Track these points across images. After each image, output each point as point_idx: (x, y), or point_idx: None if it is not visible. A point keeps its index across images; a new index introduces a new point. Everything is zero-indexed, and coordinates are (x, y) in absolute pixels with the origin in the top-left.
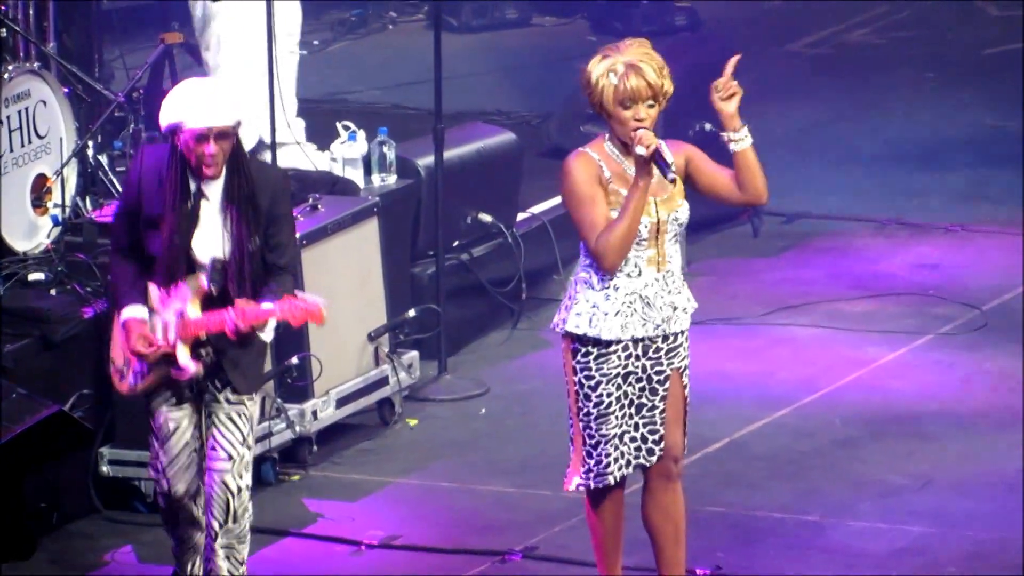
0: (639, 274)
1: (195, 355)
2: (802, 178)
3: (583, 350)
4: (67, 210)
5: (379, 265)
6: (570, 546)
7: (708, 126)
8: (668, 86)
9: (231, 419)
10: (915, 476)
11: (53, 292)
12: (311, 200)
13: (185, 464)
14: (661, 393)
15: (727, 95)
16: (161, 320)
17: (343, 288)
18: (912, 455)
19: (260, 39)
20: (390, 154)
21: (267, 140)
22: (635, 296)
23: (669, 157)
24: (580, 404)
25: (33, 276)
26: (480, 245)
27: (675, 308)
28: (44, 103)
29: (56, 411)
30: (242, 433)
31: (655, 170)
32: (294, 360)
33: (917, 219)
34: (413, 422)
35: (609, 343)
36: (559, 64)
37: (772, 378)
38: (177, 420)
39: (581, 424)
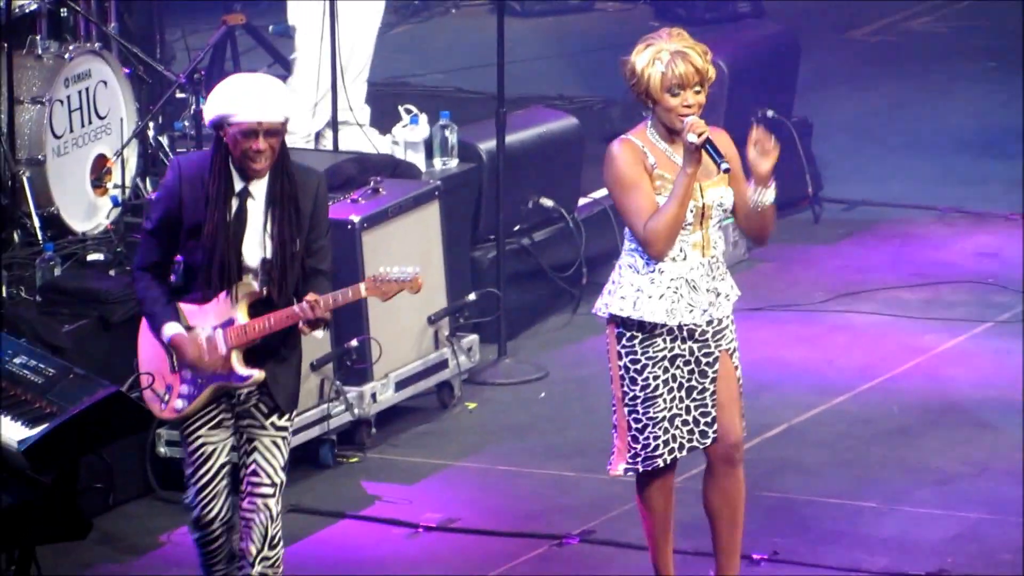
0: (684, 258)
1: (248, 363)
2: (863, 165)
3: (628, 334)
4: (127, 191)
5: (440, 249)
6: (627, 530)
7: (771, 113)
8: (712, 71)
9: (276, 445)
10: (972, 463)
11: (112, 273)
12: (372, 183)
13: (221, 490)
14: (711, 375)
15: (764, 155)
16: (204, 334)
17: None
18: (969, 442)
19: (346, 25)
20: (452, 138)
21: (334, 122)
22: (681, 280)
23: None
24: (626, 388)
25: (92, 257)
26: (541, 230)
27: (718, 294)
28: (105, 83)
29: (114, 391)
30: (284, 458)
31: (703, 156)
32: (354, 343)
33: (977, 207)
34: (472, 405)
35: (654, 326)
36: (622, 49)
37: (831, 365)
38: (215, 443)
39: (627, 409)
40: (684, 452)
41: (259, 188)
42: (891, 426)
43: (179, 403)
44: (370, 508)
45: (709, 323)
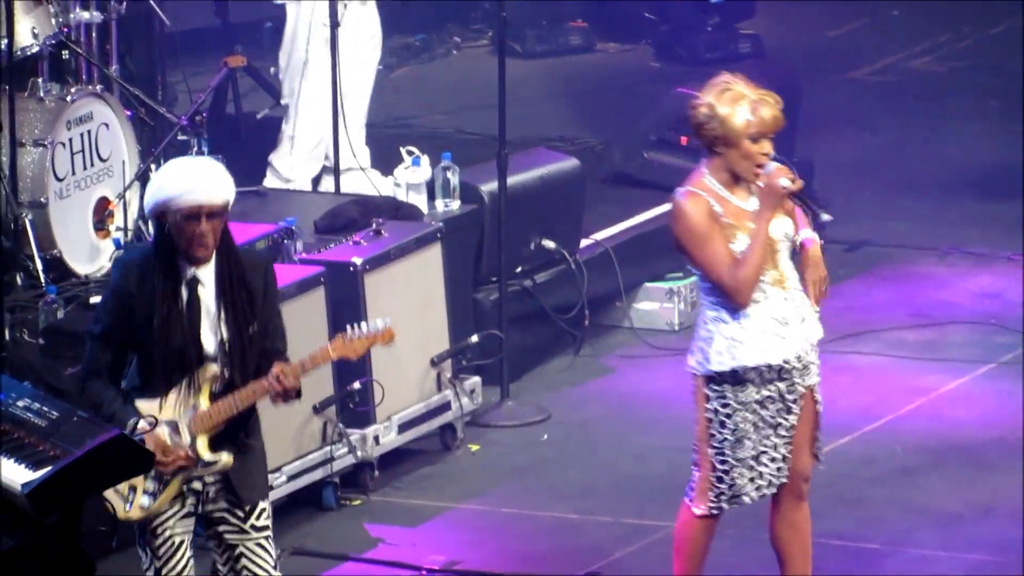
0: (767, 297)
1: (214, 450)
2: (865, 205)
3: (719, 379)
4: (129, 233)
5: (442, 290)
6: (631, 571)
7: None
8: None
9: (261, 547)
10: (975, 505)
11: None
12: (375, 225)
13: None
14: (796, 411)
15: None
16: (166, 429)
17: (406, 313)
18: (972, 484)
19: (343, 68)
20: (454, 179)
21: (331, 165)
22: (770, 319)
23: None
24: (713, 431)
25: (95, 299)
26: (543, 271)
27: (803, 320)
28: (107, 126)
29: (117, 434)
30: (273, 557)
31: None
32: (356, 385)
33: (979, 248)
34: (475, 447)
35: (745, 371)
36: (623, 90)
37: (834, 406)
38: (182, 535)
39: (712, 451)
40: (771, 489)
41: (207, 274)
42: (894, 467)
43: (144, 500)
44: (373, 550)
45: (798, 359)
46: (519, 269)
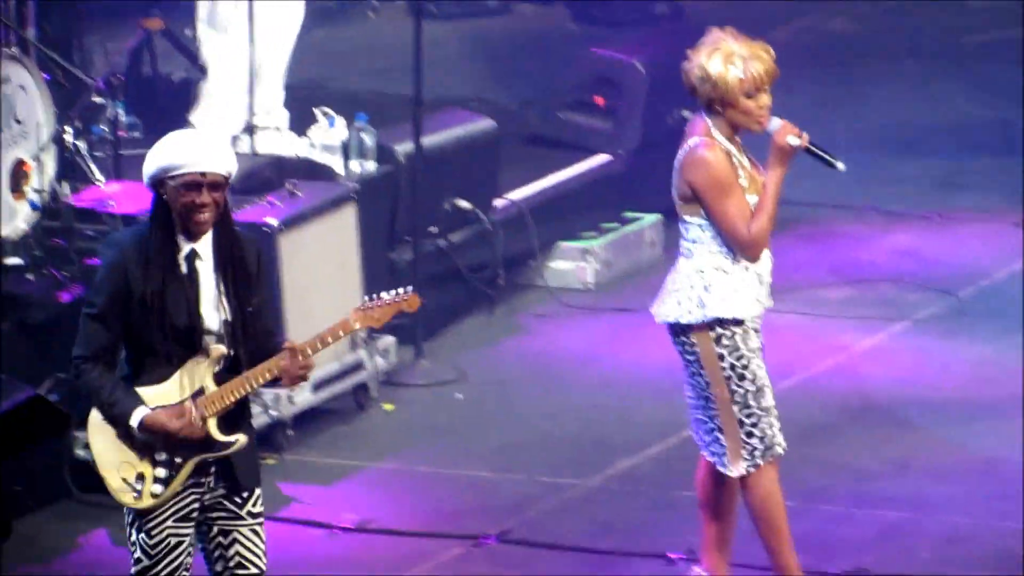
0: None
1: (224, 430)
2: None
3: (727, 333)
4: (45, 195)
5: (356, 251)
6: (545, 530)
7: (688, 113)
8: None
9: (255, 533)
10: (891, 462)
11: (30, 277)
12: (289, 186)
13: None
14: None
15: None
16: (174, 412)
17: (320, 273)
18: (888, 441)
19: (264, 28)
20: (369, 140)
21: (250, 126)
22: (755, 276)
23: None
24: (733, 387)
25: (10, 261)
26: (458, 231)
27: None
28: (23, 88)
29: (32, 395)
30: (265, 543)
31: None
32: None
33: (895, 206)
34: (389, 407)
35: (745, 321)
36: (539, 52)
37: None
38: (181, 537)
39: (737, 407)
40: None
41: (205, 248)
42: (810, 424)
43: (157, 488)
44: (287, 509)
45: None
46: (434, 229)
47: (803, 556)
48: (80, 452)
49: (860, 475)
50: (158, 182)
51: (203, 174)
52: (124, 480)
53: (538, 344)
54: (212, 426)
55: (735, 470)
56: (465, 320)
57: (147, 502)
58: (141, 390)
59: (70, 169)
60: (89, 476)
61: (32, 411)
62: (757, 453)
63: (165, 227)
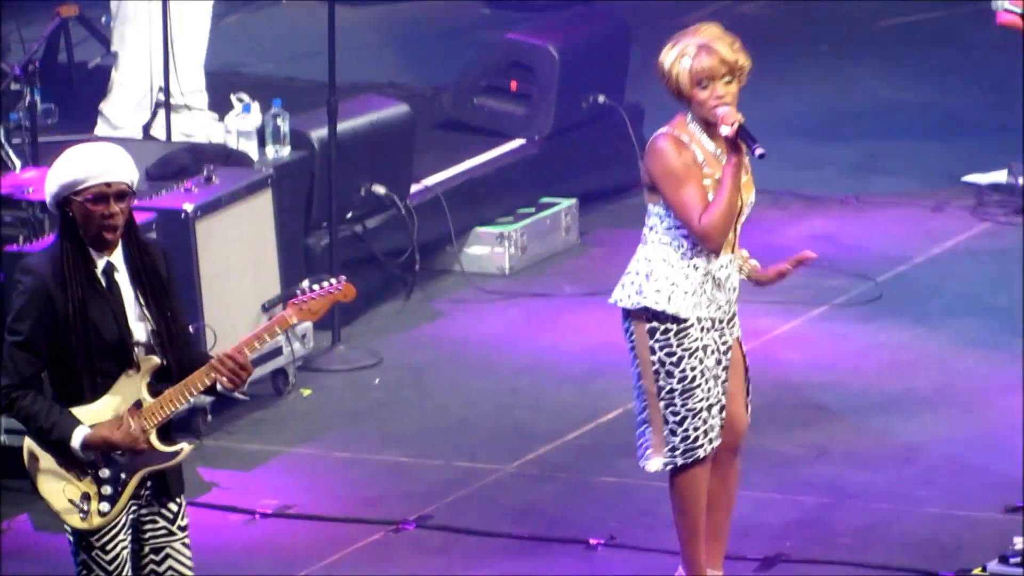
0: (716, 256)
1: (164, 439)
2: None
3: (662, 327)
4: None
5: (273, 236)
6: (464, 515)
7: (603, 98)
8: (744, 61)
9: (186, 546)
10: (809, 447)
11: None
12: (205, 172)
13: None
14: (724, 363)
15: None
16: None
17: (237, 259)
18: (806, 426)
19: (178, 11)
20: (284, 126)
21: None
22: (709, 277)
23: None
24: (661, 382)
25: None
26: (373, 217)
27: (735, 289)
28: None
29: None
30: (191, 554)
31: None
32: (188, 330)
33: (811, 191)
34: (307, 392)
35: (687, 319)
36: (452, 36)
37: None
38: (127, 548)
39: (663, 403)
40: (719, 441)
41: (118, 260)
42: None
43: (104, 506)
44: (207, 495)
45: (725, 312)
46: (349, 215)
47: (721, 541)
48: (3, 437)
49: (779, 460)
50: (63, 200)
51: (108, 184)
52: (70, 501)
53: (455, 329)
54: (153, 438)
55: (652, 464)
56: (382, 306)
57: (95, 521)
58: (76, 410)
59: None
60: (11, 462)
61: None
62: (677, 452)
63: (77, 244)
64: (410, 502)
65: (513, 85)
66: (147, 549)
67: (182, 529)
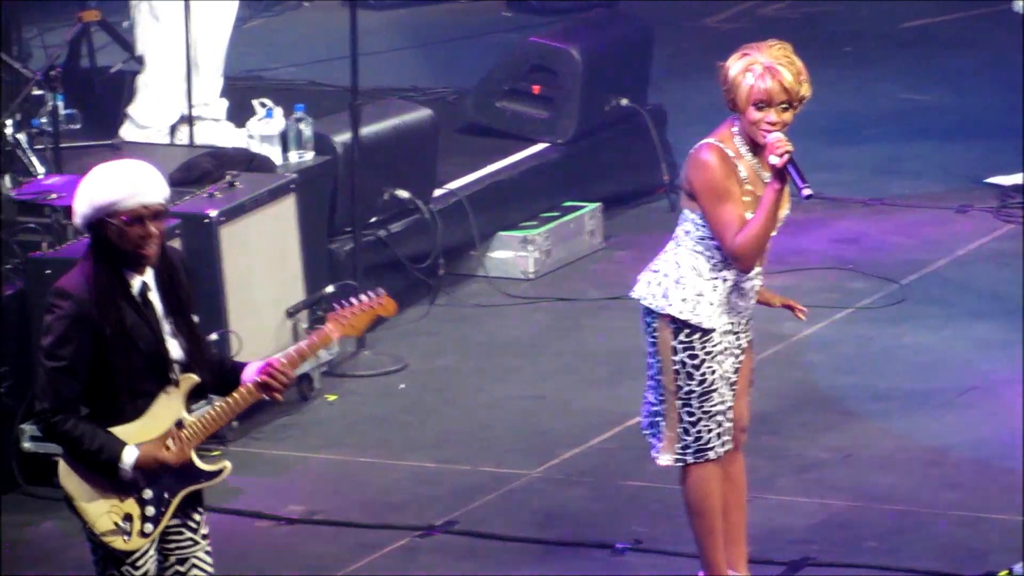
0: (745, 273)
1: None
2: None
3: (686, 330)
4: None
5: (297, 242)
6: (489, 520)
7: (625, 101)
8: (805, 91)
9: (208, 554)
10: (835, 450)
11: None
12: (228, 177)
13: None
14: (736, 367)
15: None
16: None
17: (261, 265)
18: (831, 429)
19: (200, 18)
20: (307, 131)
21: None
22: (734, 287)
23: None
24: (681, 383)
25: None
26: (397, 221)
27: (755, 295)
28: None
29: None
30: (212, 561)
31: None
32: (213, 336)
33: (835, 193)
34: (332, 398)
35: (711, 328)
36: (475, 40)
37: None
38: (154, 562)
39: (679, 402)
40: (731, 444)
41: (149, 278)
42: (754, 414)
43: (148, 526)
44: (233, 501)
45: (744, 318)
46: (373, 219)
47: (748, 545)
48: (27, 444)
49: (804, 464)
50: (97, 223)
51: (145, 206)
52: (112, 527)
53: (479, 334)
54: (194, 456)
55: (663, 459)
56: (406, 311)
57: (137, 543)
58: (115, 431)
59: (10, 162)
60: (36, 468)
61: None
62: (688, 451)
63: (114, 264)
64: (435, 507)
65: (536, 88)
66: (172, 559)
67: (204, 538)
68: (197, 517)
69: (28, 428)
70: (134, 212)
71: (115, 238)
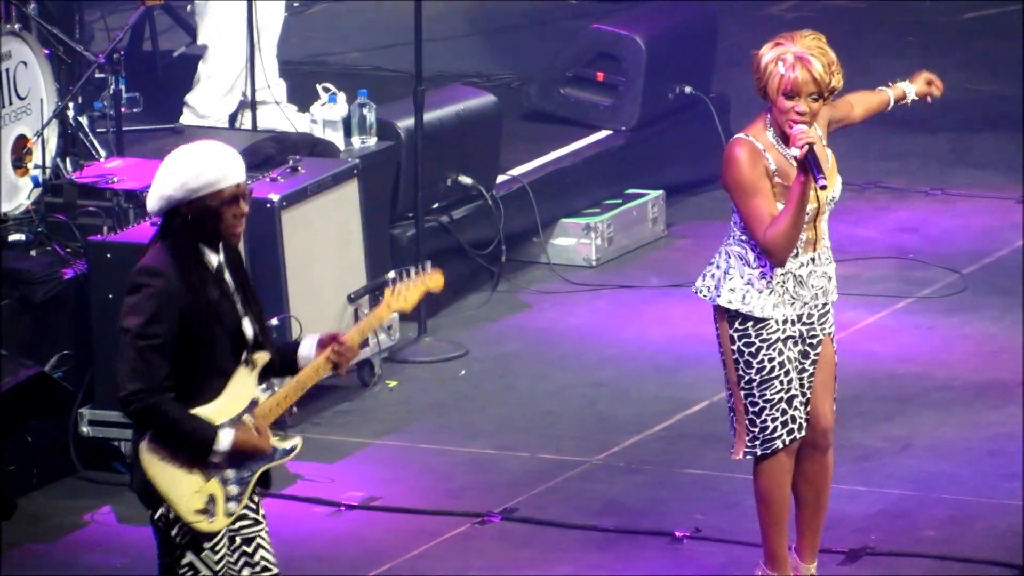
0: (795, 255)
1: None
2: None
3: (740, 319)
4: (47, 171)
5: (359, 227)
6: (549, 508)
7: (689, 89)
8: (836, 82)
9: (267, 534)
10: (894, 439)
11: (33, 253)
12: (291, 162)
13: None
14: (812, 357)
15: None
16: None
17: (323, 250)
18: (891, 419)
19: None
20: (370, 116)
21: (247, 101)
22: (789, 275)
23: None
24: (741, 372)
25: (13, 237)
26: (460, 207)
27: (829, 279)
28: (25, 64)
29: (37, 372)
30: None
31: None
32: (274, 321)
33: (897, 183)
34: (393, 384)
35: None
36: (540, 27)
37: None
38: (226, 544)
39: (743, 392)
40: (803, 432)
41: (222, 257)
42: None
43: (232, 506)
44: (292, 487)
45: (816, 306)
46: (436, 205)
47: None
48: (85, 429)
49: (863, 453)
50: (187, 204)
51: (237, 186)
52: (193, 510)
53: (541, 321)
54: (273, 439)
55: (737, 454)
56: (468, 297)
57: (221, 523)
58: (197, 411)
59: (72, 145)
60: (94, 453)
61: (37, 388)
62: (756, 443)
63: (195, 244)
64: (495, 494)
65: (600, 76)
66: (239, 540)
67: (264, 519)
68: (256, 499)
69: (87, 412)
70: (232, 192)
71: (207, 218)
